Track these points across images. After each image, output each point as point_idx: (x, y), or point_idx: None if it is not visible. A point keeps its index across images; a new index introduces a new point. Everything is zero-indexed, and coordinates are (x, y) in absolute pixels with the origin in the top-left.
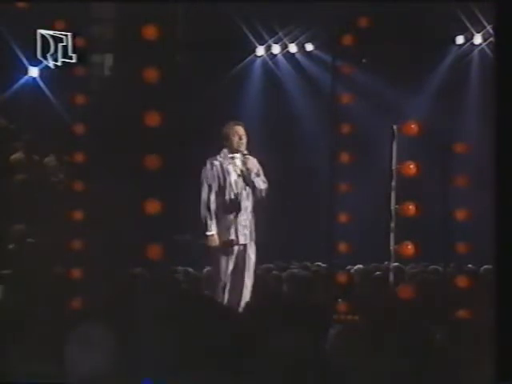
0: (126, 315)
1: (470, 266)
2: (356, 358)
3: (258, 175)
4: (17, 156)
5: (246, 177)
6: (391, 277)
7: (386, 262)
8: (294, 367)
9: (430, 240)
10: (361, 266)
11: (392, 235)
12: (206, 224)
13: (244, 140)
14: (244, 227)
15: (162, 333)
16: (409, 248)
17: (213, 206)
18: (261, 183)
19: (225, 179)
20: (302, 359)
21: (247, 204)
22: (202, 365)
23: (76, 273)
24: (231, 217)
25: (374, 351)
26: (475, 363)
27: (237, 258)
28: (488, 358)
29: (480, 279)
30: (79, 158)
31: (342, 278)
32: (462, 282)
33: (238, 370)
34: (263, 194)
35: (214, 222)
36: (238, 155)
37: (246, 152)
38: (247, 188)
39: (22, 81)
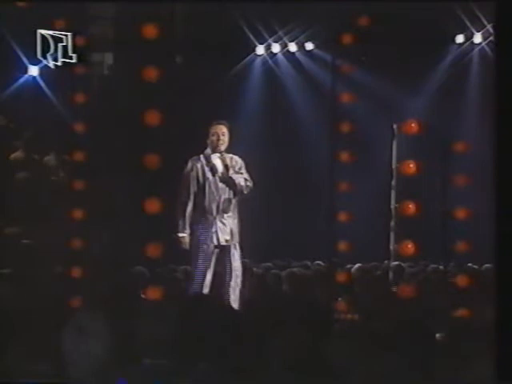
0: (126, 314)
1: (469, 264)
2: (356, 357)
3: (238, 172)
4: (17, 155)
5: (224, 175)
6: (391, 276)
7: (386, 261)
8: (294, 367)
9: (430, 239)
10: (361, 264)
11: (392, 234)
12: (178, 225)
13: (224, 139)
14: (225, 228)
15: (163, 331)
16: (409, 247)
17: (188, 209)
18: (241, 180)
19: (205, 180)
20: (302, 359)
21: (229, 205)
22: (203, 364)
23: (76, 272)
24: (211, 218)
25: (373, 350)
26: (475, 362)
27: (218, 258)
28: (488, 358)
29: (480, 278)
30: (79, 156)
31: (342, 276)
32: (462, 280)
33: (239, 370)
34: (245, 191)
35: (187, 224)
36: (217, 155)
37: (223, 150)
38: (229, 188)
39: (22, 80)
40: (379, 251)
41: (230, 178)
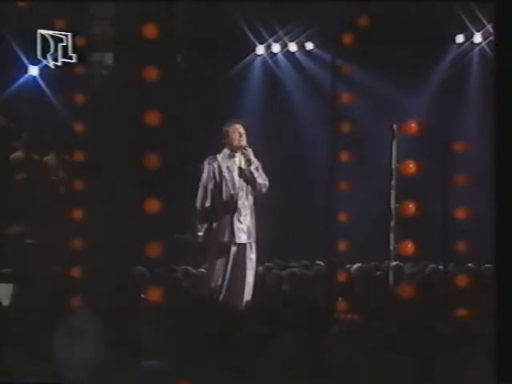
0: (126, 314)
1: (469, 264)
2: (356, 357)
3: (257, 170)
4: (17, 155)
5: (246, 171)
6: (391, 276)
7: (386, 261)
8: (294, 367)
9: (430, 239)
10: (361, 264)
11: (392, 234)
12: (196, 225)
13: (244, 138)
14: (242, 227)
15: (163, 332)
16: (409, 247)
17: (206, 207)
18: (261, 177)
19: (222, 178)
20: (302, 359)
21: (246, 203)
22: (202, 364)
23: (76, 272)
24: (228, 216)
25: (373, 350)
26: (475, 363)
27: (235, 257)
28: (488, 358)
29: (480, 278)
30: (79, 156)
31: (342, 276)
32: (461, 281)
33: (239, 370)
34: (263, 189)
35: (205, 223)
36: (237, 154)
37: (245, 145)
38: (246, 187)
39: (22, 80)
40: (379, 251)
41: (251, 173)
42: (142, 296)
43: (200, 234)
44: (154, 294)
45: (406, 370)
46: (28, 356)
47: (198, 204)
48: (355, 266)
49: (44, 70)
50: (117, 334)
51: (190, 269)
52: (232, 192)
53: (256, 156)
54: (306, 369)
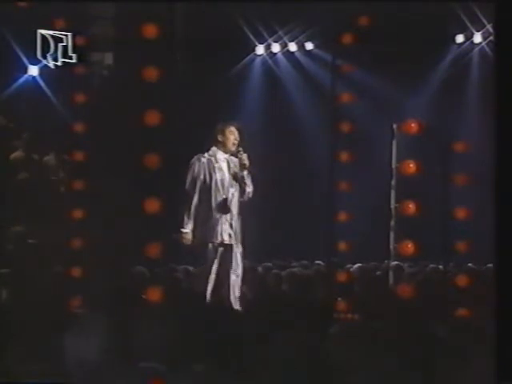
0: (126, 314)
1: (469, 264)
2: (356, 357)
3: (248, 177)
4: (16, 155)
5: (238, 174)
6: (391, 276)
7: (386, 261)
8: (294, 367)
9: (430, 239)
10: (361, 264)
11: (392, 234)
12: (182, 220)
13: (238, 141)
14: (229, 227)
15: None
16: (409, 247)
17: (194, 203)
18: (249, 186)
19: (211, 177)
20: (302, 359)
21: (234, 204)
22: (202, 364)
23: (76, 271)
24: (216, 216)
25: (373, 350)
26: (475, 363)
27: (221, 257)
28: (488, 358)
29: (480, 278)
30: (79, 156)
31: (342, 276)
32: (461, 281)
33: (238, 370)
34: (249, 197)
35: (191, 219)
36: (227, 155)
37: (240, 149)
38: (234, 188)
39: (22, 80)
40: (379, 251)
41: (243, 178)
42: (143, 296)
43: (185, 230)
44: (154, 294)
45: (405, 370)
46: (28, 356)
47: (187, 198)
48: (355, 266)
49: (44, 70)
50: (116, 334)
51: (190, 268)
52: (220, 191)
53: (250, 162)
54: (306, 368)
